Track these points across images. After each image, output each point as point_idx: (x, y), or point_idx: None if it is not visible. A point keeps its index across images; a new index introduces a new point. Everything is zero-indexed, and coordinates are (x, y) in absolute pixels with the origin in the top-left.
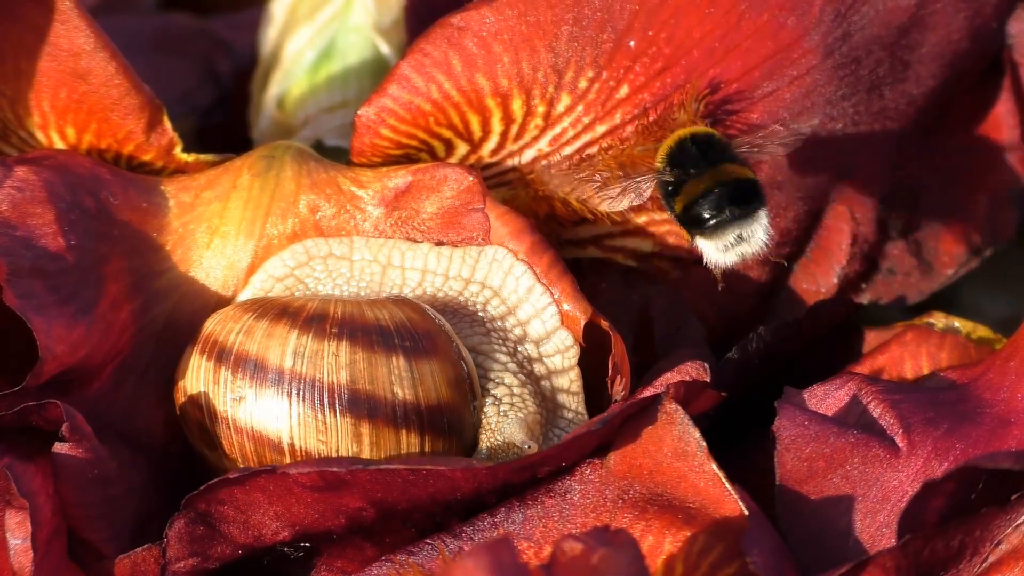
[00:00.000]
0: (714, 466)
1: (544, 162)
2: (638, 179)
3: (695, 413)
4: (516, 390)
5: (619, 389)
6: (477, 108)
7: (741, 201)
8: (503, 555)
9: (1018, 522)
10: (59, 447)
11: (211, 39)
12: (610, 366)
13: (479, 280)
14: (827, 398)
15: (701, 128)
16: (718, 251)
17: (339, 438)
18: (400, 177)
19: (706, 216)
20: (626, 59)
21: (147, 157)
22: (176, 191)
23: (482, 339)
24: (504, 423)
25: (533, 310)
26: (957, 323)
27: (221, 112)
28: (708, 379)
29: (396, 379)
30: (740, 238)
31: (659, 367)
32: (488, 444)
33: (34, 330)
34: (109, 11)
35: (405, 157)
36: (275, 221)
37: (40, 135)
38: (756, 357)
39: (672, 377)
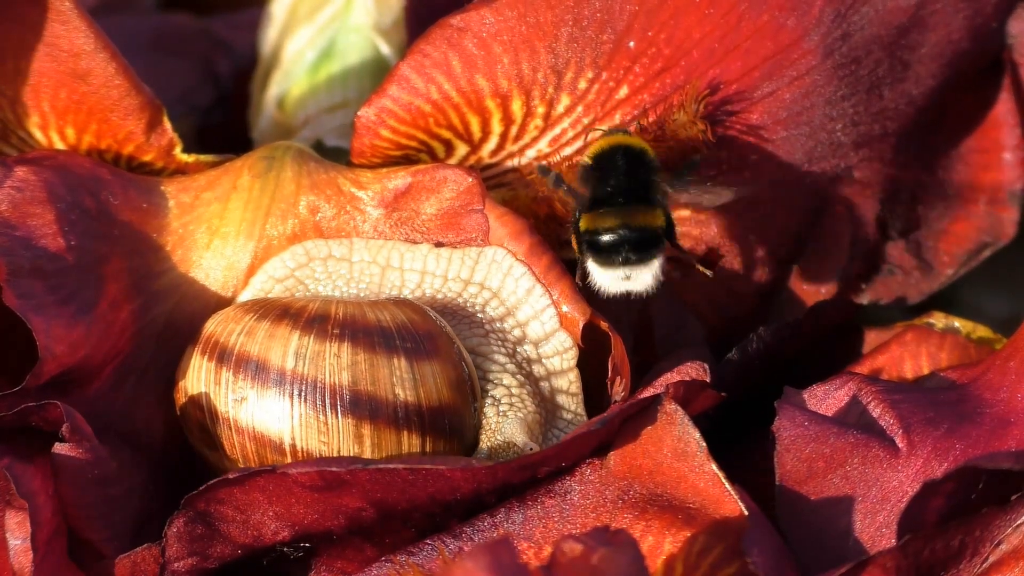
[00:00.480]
0: (714, 466)
1: (543, 163)
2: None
3: (694, 413)
4: (515, 391)
5: (619, 389)
6: (477, 109)
7: (640, 249)
8: (503, 555)
9: (1018, 522)
10: (59, 448)
11: (211, 39)
12: (610, 367)
13: (478, 281)
14: (827, 398)
15: (635, 141)
16: (604, 279)
17: (341, 439)
18: (400, 178)
19: (602, 249)
20: (626, 60)
21: (147, 158)
22: (176, 192)
23: (481, 340)
24: (504, 423)
25: (532, 311)
26: (957, 323)
27: (221, 112)
28: (708, 379)
29: (398, 380)
30: (628, 277)
31: (659, 367)
32: (488, 444)
33: (33, 330)
34: (109, 11)
35: (405, 158)
36: (275, 222)
37: (40, 135)
38: (756, 358)
39: (672, 377)
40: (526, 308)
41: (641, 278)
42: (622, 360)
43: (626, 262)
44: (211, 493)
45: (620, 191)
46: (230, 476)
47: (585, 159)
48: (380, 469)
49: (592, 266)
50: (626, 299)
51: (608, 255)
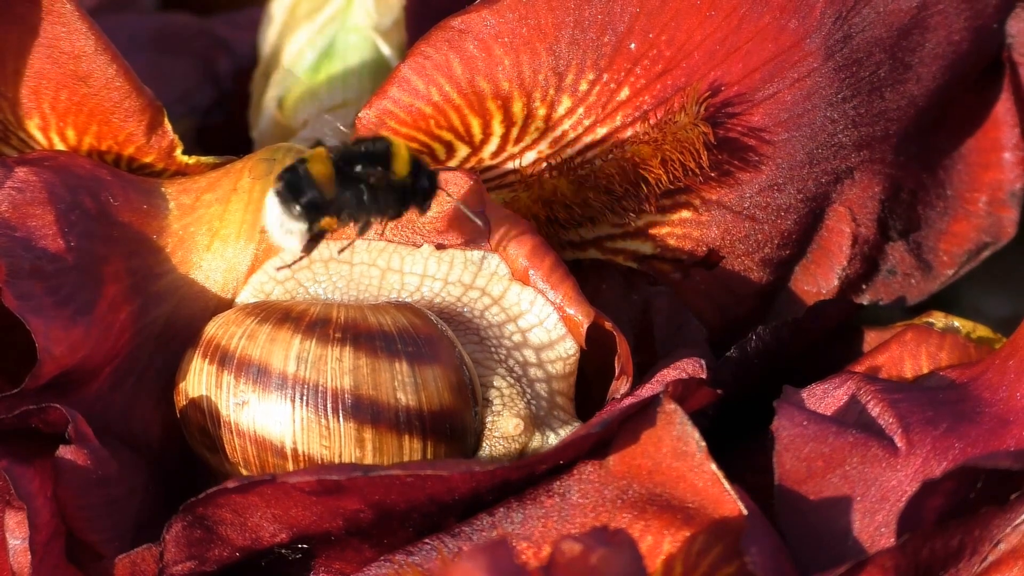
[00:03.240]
0: (713, 466)
1: (545, 164)
2: None
3: (692, 410)
4: (515, 393)
5: (622, 388)
6: (478, 111)
7: (289, 188)
8: (502, 555)
9: (1017, 522)
10: (63, 450)
11: (211, 39)
12: (616, 367)
13: (479, 286)
14: (826, 397)
15: (404, 151)
16: (271, 215)
17: (342, 443)
18: None
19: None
20: (627, 61)
21: (148, 159)
22: (177, 193)
23: (480, 343)
24: (499, 421)
25: (537, 319)
26: (957, 323)
27: (221, 112)
28: (704, 375)
29: (399, 384)
30: (282, 227)
31: (658, 367)
32: (488, 445)
33: (32, 332)
34: (109, 11)
35: None
36: None
37: (40, 137)
38: (755, 356)
39: (668, 374)
40: (529, 316)
41: (285, 230)
42: (627, 360)
43: (276, 193)
44: (210, 500)
45: (342, 155)
46: (229, 486)
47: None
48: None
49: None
50: (628, 298)
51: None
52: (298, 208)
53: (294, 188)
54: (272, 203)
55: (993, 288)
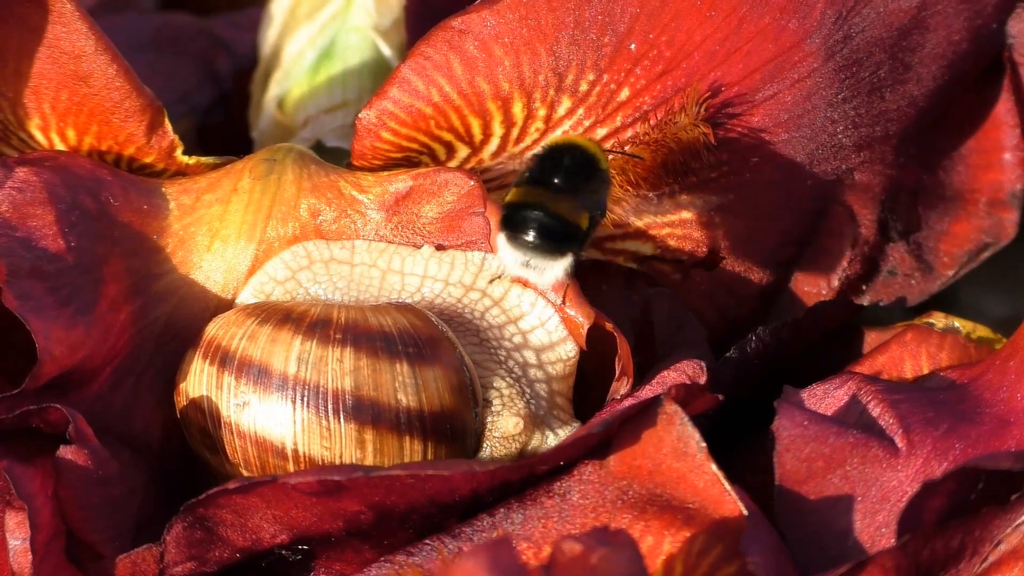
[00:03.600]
0: (714, 466)
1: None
2: None
3: (693, 414)
4: (514, 393)
5: (622, 389)
6: (478, 111)
7: (550, 238)
8: (502, 555)
9: (1018, 522)
10: (64, 450)
11: (211, 39)
12: (617, 367)
13: (480, 288)
14: (826, 398)
15: (592, 147)
16: (508, 257)
17: (343, 444)
18: (401, 182)
19: (511, 225)
20: (627, 62)
21: (148, 159)
22: (177, 193)
23: (480, 344)
24: (499, 421)
25: (538, 321)
26: (957, 323)
27: (221, 112)
28: (704, 377)
29: (400, 385)
30: (529, 265)
31: (658, 368)
32: (489, 445)
33: (32, 332)
34: (109, 11)
35: (405, 160)
36: (276, 225)
37: (41, 137)
38: (755, 357)
39: (669, 376)
40: (530, 318)
41: (543, 270)
42: (627, 360)
43: (532, 247)
44: (210, 501)
45: (554, 179)
46: (230, 487)
47: (539, 147)
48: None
49: (501, 239)
50: (628, 298)
51: (517, 232)
52: (567, 249)
53: (553, 235)
54: (528, 254)
55: (993, 288)
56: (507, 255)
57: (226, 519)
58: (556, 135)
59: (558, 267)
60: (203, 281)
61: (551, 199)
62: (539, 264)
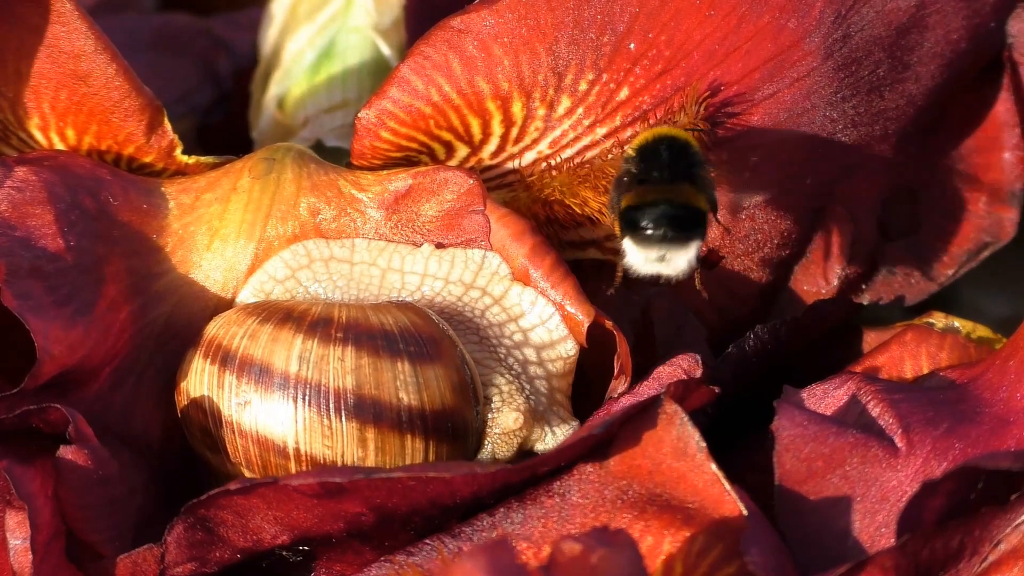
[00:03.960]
0: (713, 466)
1: (544, 164)
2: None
3: (691, 409)
4: (513, 389)
5: (620, 388)
6: (477, 111)
7: (681, 227)
8: (502, 555)
9: (1017, 522)
10: (64, 450)
11: (211, 39)
12: (616, 366)
13: (480, 286)
14: (826, 397)
15: (680, 133)
16: (638, 258)
17: (344, 443)
18: (400, 180)
19: (642, 225)
20: (626, 61)
21: (148, 159)
22: (176, 193)
23: (480, 343)
24: (499, 417)
25: (538, 319)
26: (957, 323)
27: (221, 112)
28: (700, 371)
29: (401, 384)
30: (663, 259)
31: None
32: (490, 443)
33: (31, 331)
34: (109, 11)
35: (405, 159)
36: (275, 224)
37: (40, 137)
38: (754, 355)
39: (664, 371)
40: (531, 317)
41: (676, 261)
42: (626, 358)
43: (664, 239)
44: (212, 501)
45: (664, 173)
46: (231, 487)
47: (628, 150)
48: (382, 478)
49: (628, 244)
50: (628, 298)
51: (647, 231)
52: (696, 235)
53: (683, 224)
54: (662, 249)
55: (993, 288)
56: (636, 257)
57: (227, 520)
58: (647, 133)
59: (691, 253)
60: (203, 280)
61: (669, 191)
62: (673, 256)
